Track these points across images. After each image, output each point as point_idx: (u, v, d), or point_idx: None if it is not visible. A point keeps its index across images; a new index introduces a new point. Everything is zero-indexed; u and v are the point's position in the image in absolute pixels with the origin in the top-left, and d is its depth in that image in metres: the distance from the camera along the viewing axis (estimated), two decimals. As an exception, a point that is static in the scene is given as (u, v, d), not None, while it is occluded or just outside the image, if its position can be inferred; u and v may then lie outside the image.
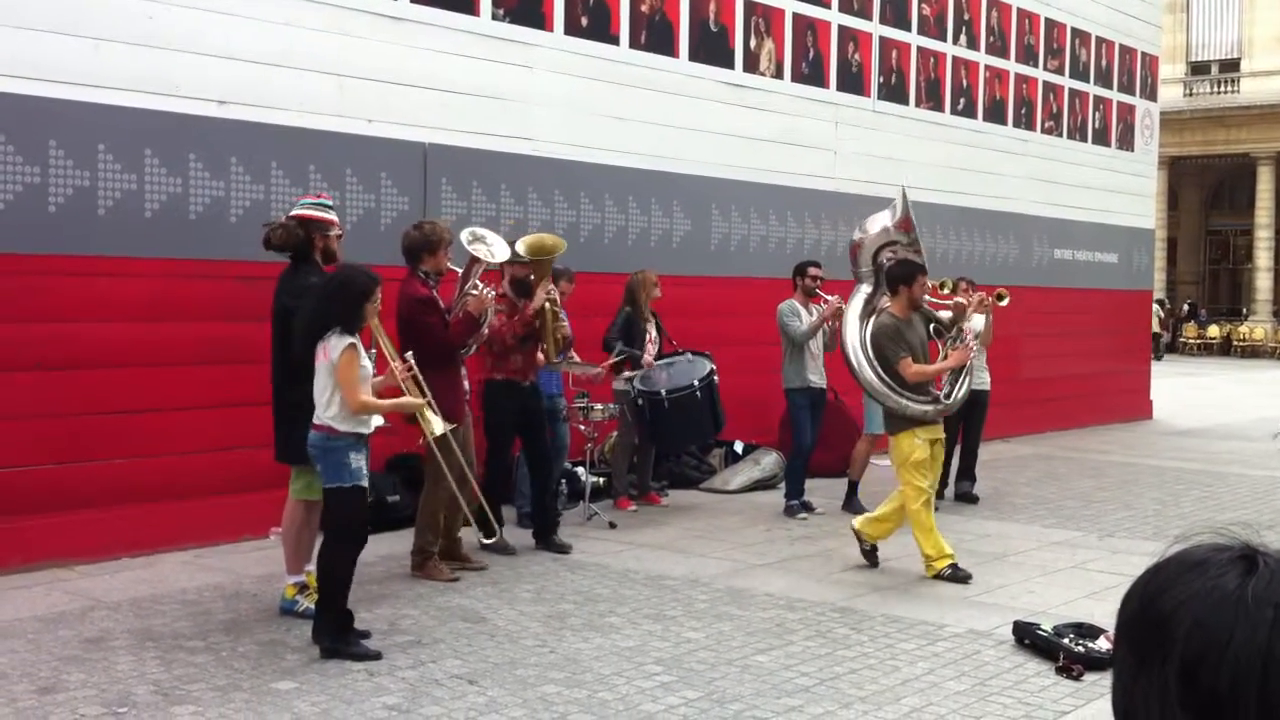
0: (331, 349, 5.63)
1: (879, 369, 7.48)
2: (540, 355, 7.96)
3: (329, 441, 5.67)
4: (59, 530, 7.18)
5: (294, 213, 6.49)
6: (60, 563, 7.11)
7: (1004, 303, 9.99)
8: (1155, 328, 24.91)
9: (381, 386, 6.01)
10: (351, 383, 5.63)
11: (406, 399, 6.07)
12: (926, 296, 7.97)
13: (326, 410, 5.67)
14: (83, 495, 7.31)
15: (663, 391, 9.22)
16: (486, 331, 7.36)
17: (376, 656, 5.53)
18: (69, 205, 7.26)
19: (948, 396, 7.61)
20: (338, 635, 5.59)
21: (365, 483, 5.77)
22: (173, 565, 7.29)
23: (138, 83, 7.49)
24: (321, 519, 6.11)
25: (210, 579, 6.98)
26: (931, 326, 7.80)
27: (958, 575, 7.24)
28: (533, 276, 7.79)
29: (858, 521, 7.67)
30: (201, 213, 7.81)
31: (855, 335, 7.75)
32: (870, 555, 7.60)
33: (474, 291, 7.11)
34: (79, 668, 5.36)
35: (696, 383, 9.29)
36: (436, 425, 6.19)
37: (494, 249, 7.29)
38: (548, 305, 7.72)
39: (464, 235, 7.21)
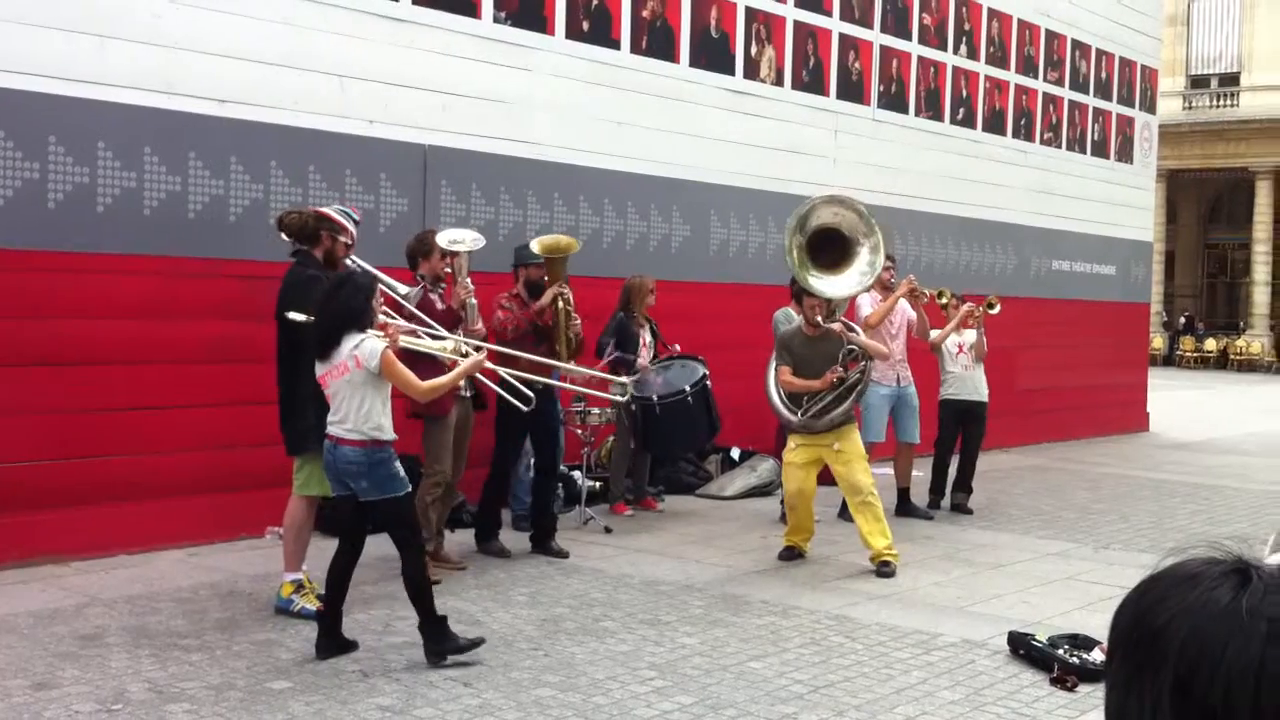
0: (366, 357, 5.45)
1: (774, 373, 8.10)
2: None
3: (376, 454, 5.54)
4: (56, 526, 7.18)
5: (318, 208, 6.76)
6: (57, 559, 7.11)
7: (995, 310, 9.94)
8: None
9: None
10: (407, 377, 5.57)
11: (468, 361, 5.92)
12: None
13: (367, 422, 5.51)
14: (80, 492, 7.31)
15: (654, 397, 9.21)
16: (480, 326, 7.37)
17: (481, 642, 5.61)
18: (68, 202, 7.26)
19: (819, 415, 7.73)
20: (442, 637, 5.58)
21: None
22: (169, 563, 7.30)
23: (138, 80, 7.49)
24: (336, 522, 6.07)
25: (206, 577, 6.99)
26: (843, 352, 7.85)
27: (788, 556, 7.89)
28: (546, 277, 7.88)
29: (870, 557, 7.75)
30: (200, 211, 7.81)
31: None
32: (884, 569, 7.64)
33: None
34: (73, 664, 5.37)
35: (689, 388, 9.29)
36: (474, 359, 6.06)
37: (467, 240, 7.31)
38: (561, 304, 7.82)
39: (442, 243, 7.23)
